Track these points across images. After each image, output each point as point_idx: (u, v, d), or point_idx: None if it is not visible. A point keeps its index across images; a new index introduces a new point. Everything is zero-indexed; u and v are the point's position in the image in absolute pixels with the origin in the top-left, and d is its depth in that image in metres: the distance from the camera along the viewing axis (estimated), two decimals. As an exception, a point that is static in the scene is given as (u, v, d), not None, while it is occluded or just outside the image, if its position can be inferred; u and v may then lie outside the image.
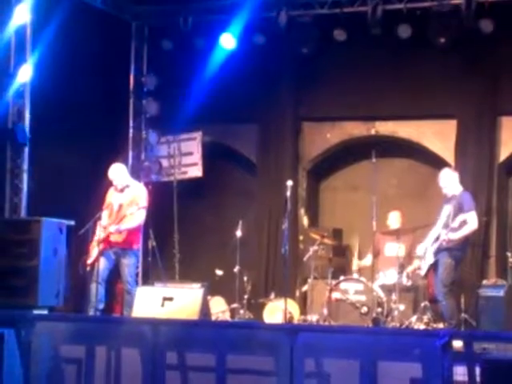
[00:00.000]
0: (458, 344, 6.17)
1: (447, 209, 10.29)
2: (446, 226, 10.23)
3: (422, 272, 10.61)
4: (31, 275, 10.05)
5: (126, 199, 10.35)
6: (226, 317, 11.72)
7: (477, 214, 10.45)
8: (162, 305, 9.51)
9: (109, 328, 7.25)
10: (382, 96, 12.52)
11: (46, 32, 11.03)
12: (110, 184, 10.52)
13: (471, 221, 10.26)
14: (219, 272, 12.09)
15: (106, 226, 10.15)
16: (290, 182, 10.44)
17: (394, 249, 11.22)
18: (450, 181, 10.55)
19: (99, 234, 10.11)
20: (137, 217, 10.27)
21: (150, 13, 13.24)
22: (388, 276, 11.22)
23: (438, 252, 10.32)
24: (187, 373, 6.68)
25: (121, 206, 10.32)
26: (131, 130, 13.51)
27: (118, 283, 11.01)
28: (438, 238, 10.33)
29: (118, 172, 10.49)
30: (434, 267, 10.43)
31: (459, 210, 10.25)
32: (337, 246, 12.22)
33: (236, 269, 11.58)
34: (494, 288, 10.93)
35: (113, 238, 10.20)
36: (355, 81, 12.64)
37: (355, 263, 11.69)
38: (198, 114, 12.77)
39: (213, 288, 11.62)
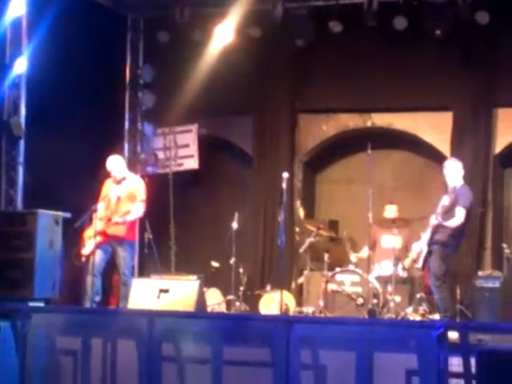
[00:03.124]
0: (453, 335, 6.19)
1: (445, 200, 10.21)
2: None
3: (419, 264, 10.58)
4: (27, 267, 10.05)
5: (123, 191, 10.36)
6: (222, 308, 11.72)
7: (470, 208, 10.26)
8: (158, 297, 9.53)
9: (105, 320, 7.26)
10: (378, 88, 12.50)
11: (41, 24, 11.01)
12: (107, 176, 10.52)
13: (458, 215, 10.06)
14: (215, 264, 12.11)
15: (103, 218, 10.15)
16: (285, 174, 10.43)
17: (390, 241, 11.20)
18: (451, 171, 10.38)
19: (96, 225, 10.11)
20: (138, 210, 10.33)
21: (146, 5, 13.20)
22: (384, 267, 11.23)
23: (431, 243, 10.27)
24: (183, 364, 6.69)
25: (119, 199, 10.33)
26: (127, 123, 13.49)
27: (114, 275, 11.02)
28: (434, 230, 10.29)
29: (116, 164, 10.50)
30: (428, 258, 10.40)
31: (455, 203, 10.19)
32: (333, 237, 12.23)
33: (232, 261, 11.59)
34: (489, 279, 10.94)
35: (109, 231, 10.19)
36: (351, 73, 12.63)
37: (353, 256, 11.67)
38: (194, 106, 12.78)
39: (209, 280, 11.64)
